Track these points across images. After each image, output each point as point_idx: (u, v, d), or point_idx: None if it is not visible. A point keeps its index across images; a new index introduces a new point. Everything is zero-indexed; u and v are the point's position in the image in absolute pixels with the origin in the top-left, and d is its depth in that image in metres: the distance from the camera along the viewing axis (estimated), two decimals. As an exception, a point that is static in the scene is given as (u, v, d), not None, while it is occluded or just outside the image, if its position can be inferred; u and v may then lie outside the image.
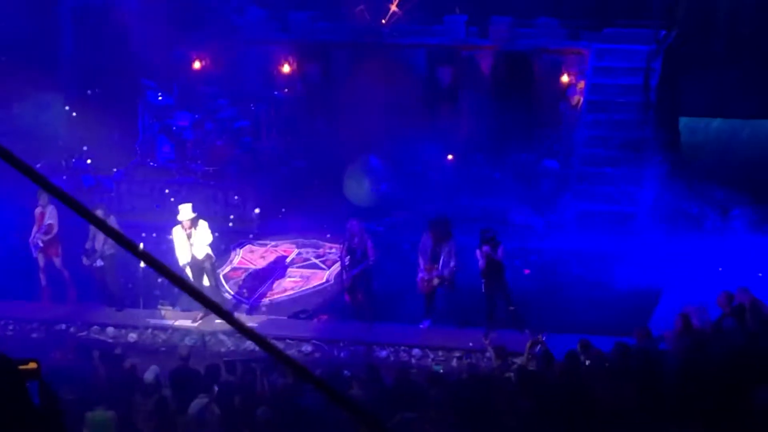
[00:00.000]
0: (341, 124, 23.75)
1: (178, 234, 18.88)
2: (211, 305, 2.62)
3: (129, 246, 2.31)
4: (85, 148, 24.30)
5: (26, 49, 23.95)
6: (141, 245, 2.67)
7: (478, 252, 17.90)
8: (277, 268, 21.42)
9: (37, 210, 19.79)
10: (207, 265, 19.06)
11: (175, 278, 2.55)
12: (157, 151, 23.92)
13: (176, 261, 18.68)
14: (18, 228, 21.08)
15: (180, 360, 16.41)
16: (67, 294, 20.06)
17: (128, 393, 15.59)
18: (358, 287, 18.88)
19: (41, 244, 19.72)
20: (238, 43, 25.05)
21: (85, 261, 19.46)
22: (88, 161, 24.07)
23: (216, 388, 15.09)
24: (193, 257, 18.87)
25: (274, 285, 20.83)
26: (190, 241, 18.80)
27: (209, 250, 19.06)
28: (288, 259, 21.74)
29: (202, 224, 18.97)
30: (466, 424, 13.72)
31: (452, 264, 18.19)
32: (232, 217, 22.83)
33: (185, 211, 18.90)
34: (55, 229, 19.74)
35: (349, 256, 18.79)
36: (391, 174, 22.87)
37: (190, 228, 18.81)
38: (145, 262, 2.44)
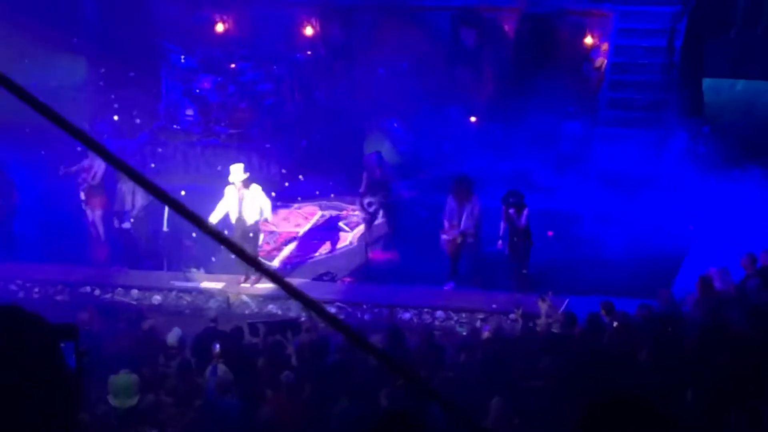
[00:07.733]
0: (363, 87, 23.71)
1: (230, 194, 18.75)
2: (256, 264, 2.63)
3: (175, 205, 2.33)
4: (108, 111, 24.35)
5: (48, 12, 23.94)
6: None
7: (503, 213, 18.05)
8: (301, 231, 21.45)
9: (86, 162, 19.74)
10: (252, 232, 18.87)
11: (222, 238, 2.57)
12: (181, 114, 23.94)
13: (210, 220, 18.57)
14: (41, 192, 21.08)
15: (210, 322, 16.43)
16: (96, 253, 20.12)
17: (153, 355, 15.66)
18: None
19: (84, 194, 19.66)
20: (261, 5, 24.98)
21: (116, 223, 19.50)
22: (115, 121, 24.07)
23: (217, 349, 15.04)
24: (242, 220, 18.80)
25: (298, 247, 20.87)
26: (242, 203, 18.75)
27: (260, 217, 18.89)
28: (311, 222, 21.77)
29: (255, 188, 18.83)
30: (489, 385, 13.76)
31: (474, 219, 18.28)
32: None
33: (236, 171, 18.80)
34: (98, 177, 19.65)
35: (369, 198, 18.96)
36: (412, 137, 22.83)
37: (242, 189, 18.79)
38: (192, 222, 2.46)
